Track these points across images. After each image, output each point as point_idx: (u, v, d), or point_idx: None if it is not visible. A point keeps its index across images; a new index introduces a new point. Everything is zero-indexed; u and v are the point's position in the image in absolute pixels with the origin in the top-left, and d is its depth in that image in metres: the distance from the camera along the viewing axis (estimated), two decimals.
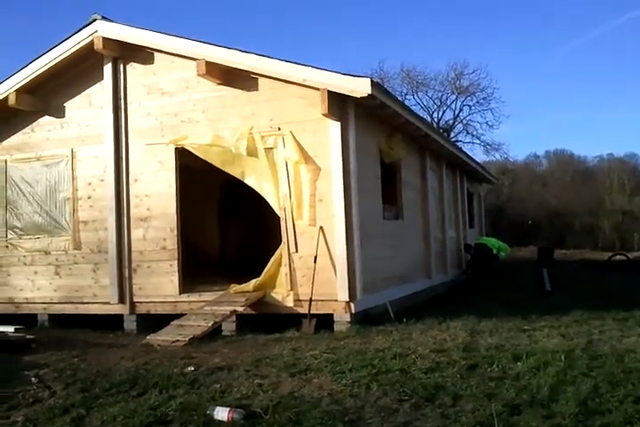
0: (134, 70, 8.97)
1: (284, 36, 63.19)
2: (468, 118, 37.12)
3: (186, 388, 4.95)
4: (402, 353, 5.66)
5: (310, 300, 7.57)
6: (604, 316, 7.95)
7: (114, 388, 5.04)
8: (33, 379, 5.34)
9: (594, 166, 45.55)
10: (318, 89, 7.55)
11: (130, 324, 8.59)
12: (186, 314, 7.81)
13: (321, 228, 7.74)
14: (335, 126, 7.72)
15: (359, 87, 7.35)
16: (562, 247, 28.54)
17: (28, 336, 6.91)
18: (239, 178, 8.17)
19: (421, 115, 35.63)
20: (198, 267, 10.55)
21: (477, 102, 36.21)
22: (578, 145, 77.53)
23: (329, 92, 7.48)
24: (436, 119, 36.89)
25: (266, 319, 7.85)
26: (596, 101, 69.30)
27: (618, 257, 20.31)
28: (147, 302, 8.60)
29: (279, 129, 7.96)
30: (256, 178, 8.06)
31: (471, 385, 4.67)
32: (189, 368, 5.46)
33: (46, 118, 9.52)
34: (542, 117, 66.49)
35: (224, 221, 13.31)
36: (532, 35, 63.64)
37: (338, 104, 7.70)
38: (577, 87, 69.03)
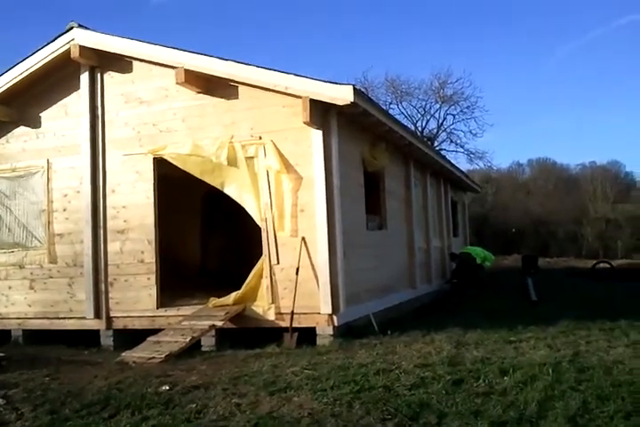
0: (112, 79, 8.79)
1: (267, 47, 63.20)
2: (451, 127, 37.16)
3: (160, 408, 4.72)
4: (385, 368, 5.48)
5: (292, 313, 7.38)
6: (590, 326, 7.85)
7: (84, 409, 4.81)
8: (0, 400, 5.10)
9: (577, 174, 45.86)
10: (300, 97, 7.40)
11: (106, 339, 8.35)
12: (164, 329, 7.58)
13: (303, 238, 7.57)
14: (317, 135, 7.57)
15: (341, 95, 7.21)
16: (546, 255, 28.56)
17: None
18: (219, 188, 7.99)
19: (405, 124, 35.78)
20: (179, 279, 10.33)
21: (461, 111, 36.25)
22: (561, 153, 78.17)
23: (311, 100, 7.33)
24: (420, 128, 36.91)
25: (247, 334, 7.64)
26: (579, 109, 70.21)
27: (602, 265, 20.30)
28: (124, 317, 8.35)
29: (260, 138, 7.80)
30: (236, 188, 7.88)
31: (457, 402, 4.50)
32: (164, 387, 5.24)
33: (22, 129, 9.30)
34: (525, 126, 67.11)
35: (206, 231, 13.09)
36: (516, 43, 64.33)
37: (320, 112, 7.56)
38: (560, 95, 69.92)
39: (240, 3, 64.33)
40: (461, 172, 16.70)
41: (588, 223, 33.49)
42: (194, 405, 4.77)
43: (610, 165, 45.27)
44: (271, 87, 7.57)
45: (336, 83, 7.30)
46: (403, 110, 36.80)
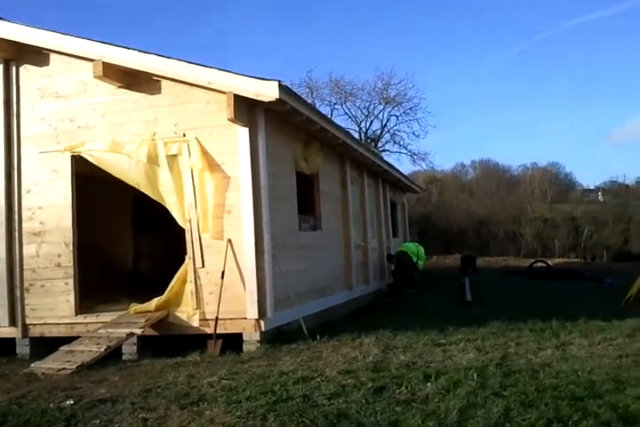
0: (28, 72, 8.28)
1: (213, 48, 62.09)
2: (395, 128, 37.33)
3: (61, 425, 4.36)
4: (307, 376, 5.24)
5: (217, 319, 7.05)
6: (522, 327, 7.83)
7: None
8: None
9: (518, 175, 46.77)
10: (224, 93, 7.09)
11: (23, 348, 7.84)
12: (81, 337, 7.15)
13: (229, 240, 7.26)
14: (243, 133, 7.27)
15: (266, 91, 6.92)
16: (486, 255, 28.99)
17: None
18: (137, 188, 7.59)
19: (349, 125, 35.63)
20: (107, 283, 9.87)
21: (404, 112, 36.44)
22: (504, 154, 79.96)
23: (235, 96, 7.02)
24: (364, 129, 36.98)
25: (172, 341, 7.27)
26: (522, 112, 71.92)
27: (539, 264, 20.65)
28: (40, 324, 7.86)
29: (184, 135, 7.45)
30: (156, 188, 7.49)
31: (376, 411, 4.30)
32: (69, 402, 4.85)
33: None
34: (470, 127, 68.25)
35: (138, 233, 12.60)
36: (457, 44, 65.42)
37: (246, 109, 7.27)
38: (504, 97, 71.41)
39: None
40: (400, 173, 16.62)
41: (527, 223, 34.17)
42: (98, 421, 4.43)
43: (550, 166, 46.30)
44: (193, 82, 7.22)
45: (261, 78, 6.99)
46: (347, 111, 36.80)
